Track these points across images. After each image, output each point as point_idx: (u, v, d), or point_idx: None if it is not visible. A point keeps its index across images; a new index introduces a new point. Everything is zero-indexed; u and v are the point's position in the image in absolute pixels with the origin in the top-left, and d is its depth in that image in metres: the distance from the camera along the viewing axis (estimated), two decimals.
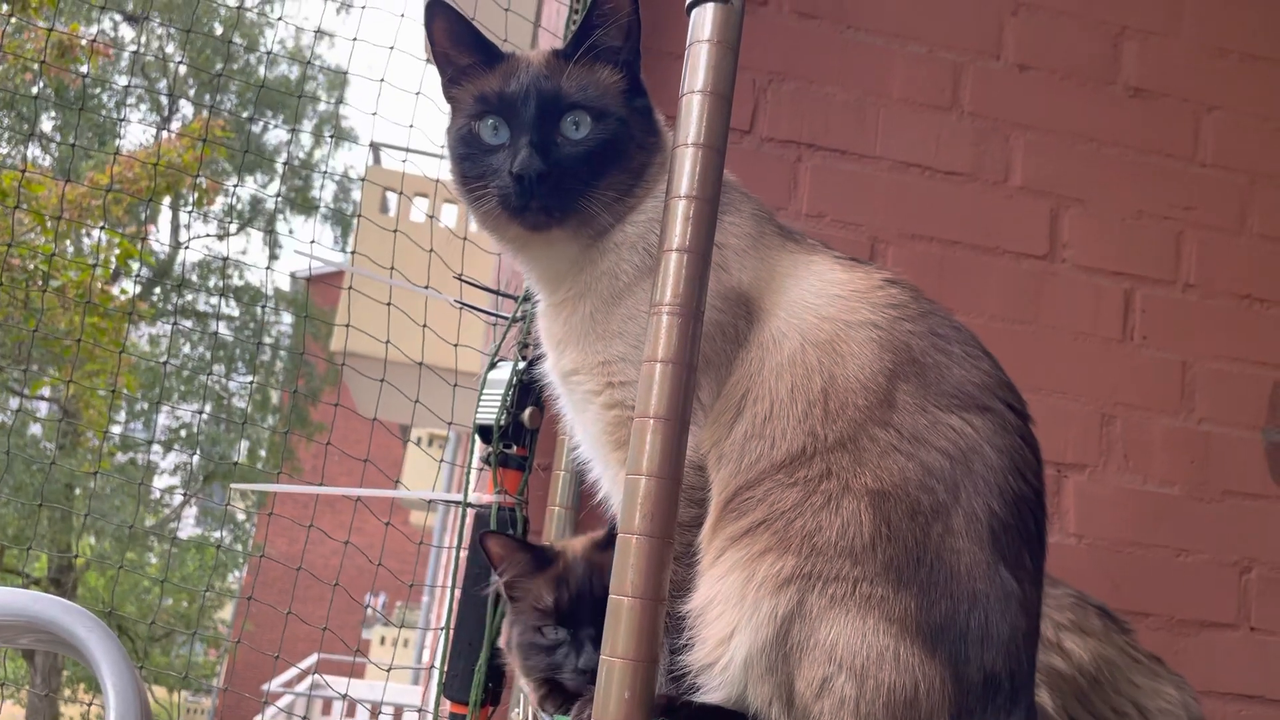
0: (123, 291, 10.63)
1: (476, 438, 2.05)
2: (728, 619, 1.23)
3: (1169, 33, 2.70)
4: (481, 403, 2.03)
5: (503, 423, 2.00)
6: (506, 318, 2.11)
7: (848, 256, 1.46)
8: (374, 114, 2.82)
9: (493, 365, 2.07)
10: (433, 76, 1.58)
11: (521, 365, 2.02)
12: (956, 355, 1.34)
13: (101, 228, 6.73)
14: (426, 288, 2.28)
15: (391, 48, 3.00)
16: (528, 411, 2.01)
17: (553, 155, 1.37)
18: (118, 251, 8.61)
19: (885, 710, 1.17)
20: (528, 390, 2.01)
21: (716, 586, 1.26)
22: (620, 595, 1.13)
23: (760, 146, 2.42)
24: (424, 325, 2.51)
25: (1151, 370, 2.54)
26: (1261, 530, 2.51)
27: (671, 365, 1.18)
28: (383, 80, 2.75)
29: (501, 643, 1.75)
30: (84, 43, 7.51)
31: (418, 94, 2.61)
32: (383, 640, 14.96)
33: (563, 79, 1.40)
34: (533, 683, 1.60)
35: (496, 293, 2.18)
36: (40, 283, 7.35)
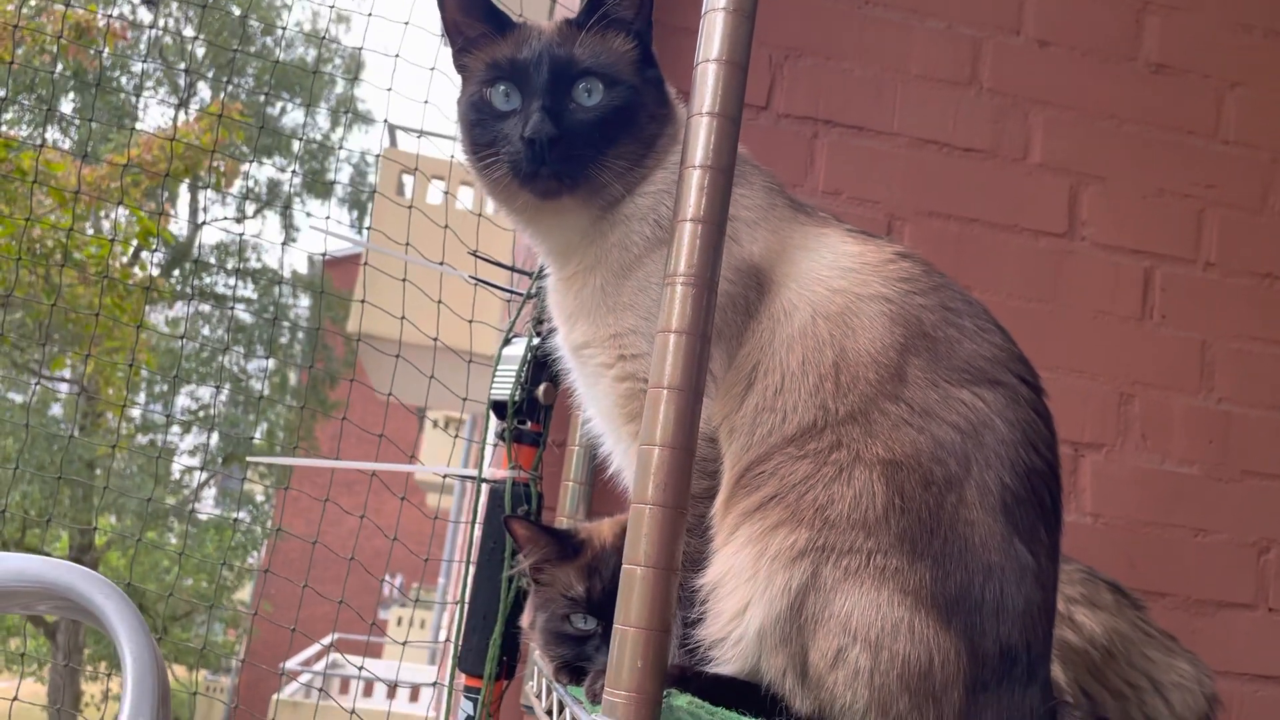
0: (141, 266, 10.68)
1: (491, 413, 2.06)
2: (742, 593, 1.23)
3: (1192, 8, 2.67)
4: (496, 378, 2.04)
5: (517, 398, 2.00)
6: (521, 294, 2.11)
7: (859, 230, 1.45)
8: (388, 89, 2.79)
9: (507, 341, 2.07)
10: (447, 56, 1.57)
11: (536, 341, 2.02)
12: (968, 329, 1.34)
13: (120, 203, 6.73)
14: (441, 264, 2.27)
15: (406, 23, 3.00)
16: (542, 387, 2.01)
17: (565, 121, 1.36)
18: (137, 229, 8.65)
19: (899, 681, 1.17)
20: (542, 366, 2.01)
21: (730, 562, 1.26)
22: (634, 564, 1.13)
23: (777, 123, 2.41)
24: (439, 301, 2.51)
25: (1171, 349, 2.52)
26: None
27: (685, 336, 1.17)
28: (398, 56, 2.74)
29: (524, 622, 1.74)
30: (101, 23, 7.52)
31: (432, 69, 2.60)
32: (399, 621, 15.06)
33: (575, 46, 1.39)
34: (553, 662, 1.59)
35: (511, 269, 2.18)
36: (60, 258, 7.39)
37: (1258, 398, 2.53)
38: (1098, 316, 2.51)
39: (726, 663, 1.27)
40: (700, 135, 1.22)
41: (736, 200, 1.39)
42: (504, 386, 2.02)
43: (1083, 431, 2.45)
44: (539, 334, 2.03)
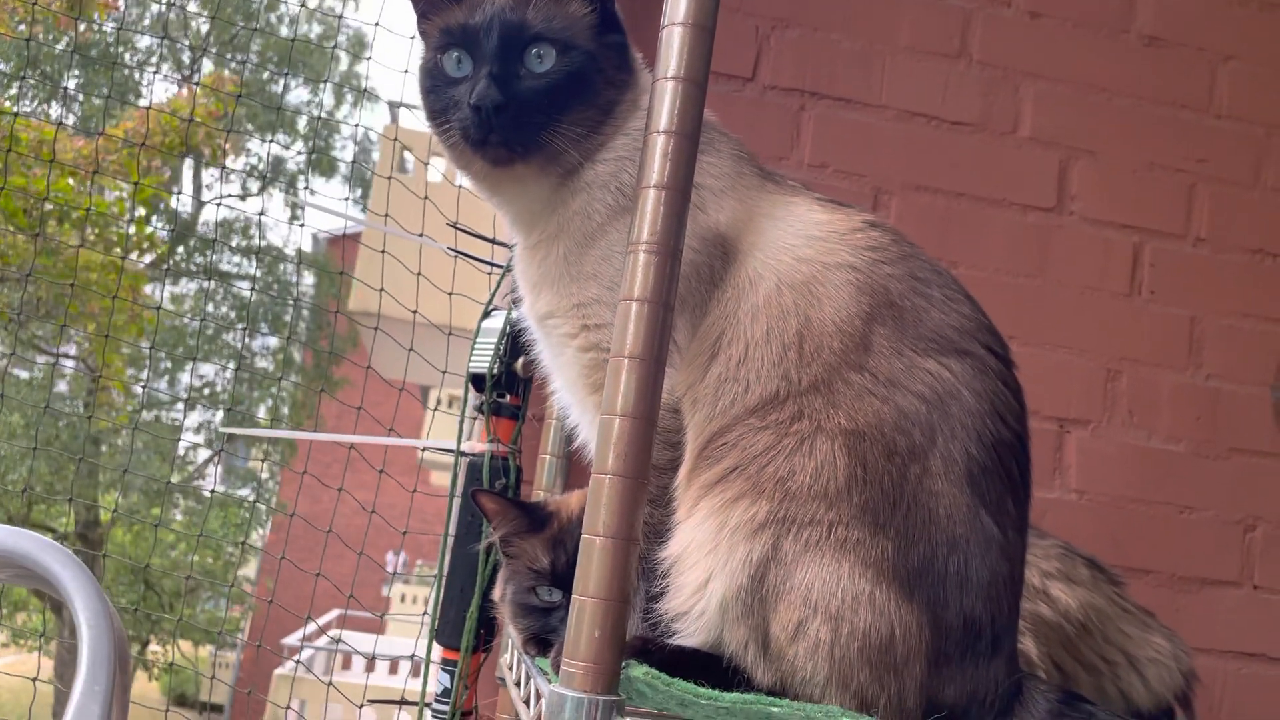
0: (150, 237, 10.67)
1: (470, 386, 2.05)
2: (703, 566, 1.23)
3: None
4: (475, 351, 2.03)
5: (496, 371, 1.99)
6: (501, 266, 2.10)
7: (829, 199, 1.43)
8: (367, 56, 2.77)
9: (486, 314, 2.06)
10: None
11: (515, 314, 2.00)
12: (936, 299, 1.32)
13: (125, 166, 6.72)
14: (420, 235, 2.26)
15: (376, 23, 2.97)
16: (521, 360, 2.00)
17: (512, 88, 1.34)
18: (141, 216, 8.65)
19: (860, 654, 1.16)
20: (520, 339, 2.00)
21: (692, 534, 1.25)
22: (593, 535, 1.12)
23: (763, 95, 2.38)
24: (418, 274, 2.49)
25: (1159, 325, 2.50)
26: (1267, 488, 2.48)
27: (648, 304, 1.16)
28: (377, 25, 2.72)
29: (495, 595, 1.75)
30: None
31: (413, 37, 2.57)
32: (403, 598, 15.13)
33: (528, 10, 1.37)
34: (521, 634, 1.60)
35: (493, 241, 2.17)
36: (54, 222, 7.36)
37: (1246, 375, 2.52)
38: (1086, 292, 2.48)
39: (689, 636, 1.26)
40: (665, 100, 1.20)
41: (703, 168, 1.37)
42: (483, 360, 2.01)
43: (1069, 407, 2.43)
44: (517, 307, 2.02)
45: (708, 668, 1.22)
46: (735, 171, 1.42)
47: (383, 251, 2.56)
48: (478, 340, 2.03)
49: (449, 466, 2.07)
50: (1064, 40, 2.55)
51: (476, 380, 2.02)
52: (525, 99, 1.34)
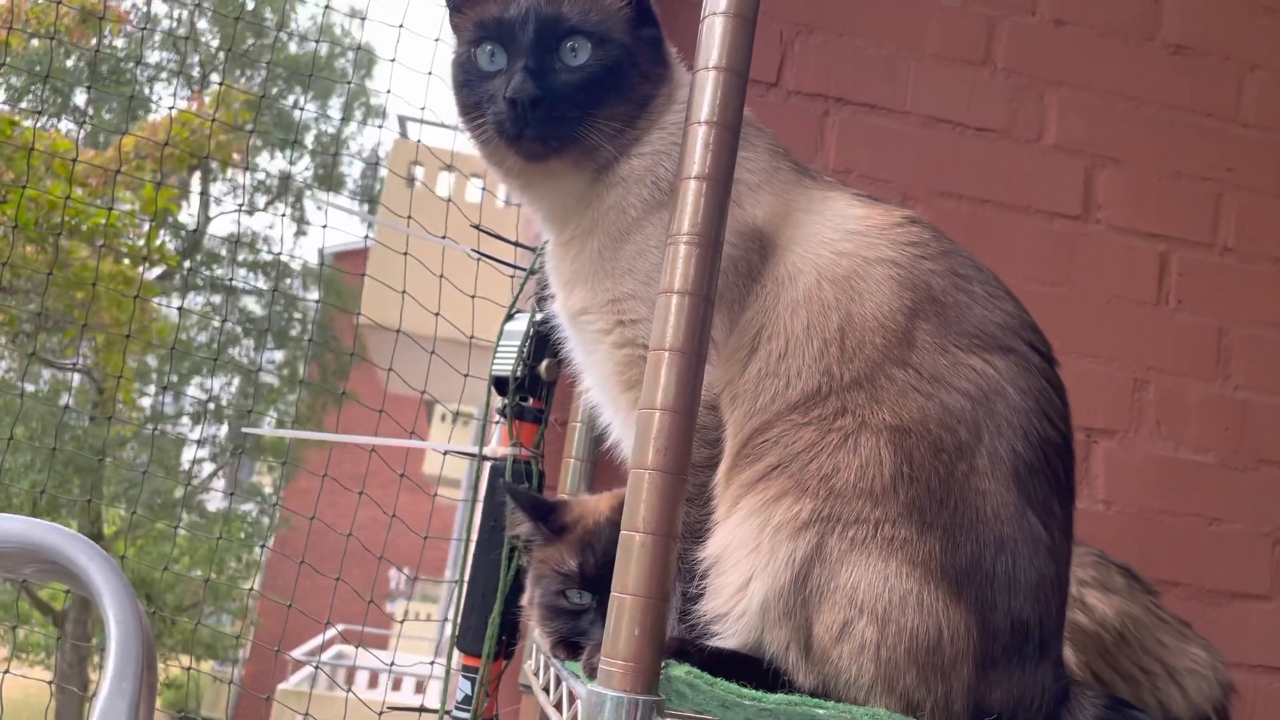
0: (160, 249, 10.66)
1: (493, 390, 2.02)
2: (744, 566, 1.20)
3: None
4: (498, 354, 2.00)
5: (519, 374, 1.97)
6: (523, 269, 2.08)
7: (866, 194, 1.41)
8: (391, 58, 2.76)
9: (510, 316, 2.03)
10: (448, 50, 1.54)
11: (539, 317, 1.98)
12: (978, 295, 1.30)
13: (113, 176, 6.69)
14: (444, 237, 2.24)
15: (400, 25, 2.96)
16: (544, 363, 1.97)
17: (548, 81, 1.32)
18: (150, 228, 8.66)
19: (907, 655, 1.13)
20: (544, 342, 1.97)
21: (733, 534, 1.22)
22: (632, 531, 1.10)
23: (787, 99, 2.37)
24: (440, 276, 2.47)
25: (1186, 335, 2.47)
26: None
27: (689, 297, 1.14)
28: (399, 32, 2.71)
29: (524, 601, 1.72)
30: (102, 5, 7.49)
31: (431, 72, 2.57)
32: (406, 614, 15.05)
33: (563, 4, 1.35)
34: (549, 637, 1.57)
35: (515, 244, 2.15)
36: (64, 230, 7.35)
37: (1275, 385, 2.48)
38: (1112, 301, 2.46)
39: (728, 638, 1.23)
40: (706, 90, 1.18)
41: (739, 162, 1.34)
42: (506, 362, 1.99)
43: (1096, 417, 2.40)
44: (541, 310, 2.00)
45: (748, 669, 1.19)
46: (771, 166, 1.40)
47: (405, 253, 2.54)
48: (501, 343, 2.01)
49: (457, 483, 2.04)
50: (1089, 48, 2.53)
51: (499, 383, 2.00)
52: (561, 93, 1.33)
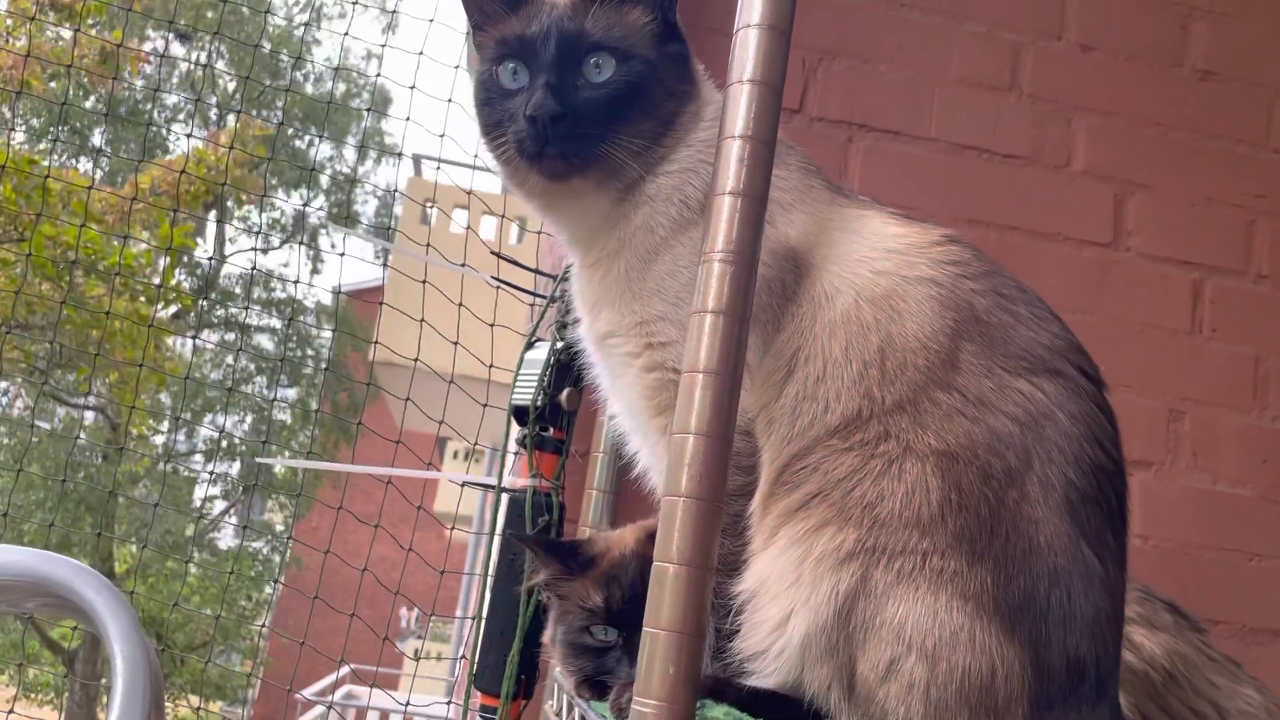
0: (177, 287, 10.70)
1: (512, 419, 1.97)
2: (783, 601, 1.13)
3: (1239, 14, 2.58)
4: (518, 383, 1.95)
5: (539, 403, 1.92)
6: (543, 296, 2.03)
7: (901, 213, 1.36)
8: (407, 119, 2.75)
9: (530, 345, 1.99)
10: (463, 86, 1.51)
11: (560, 344, 1.93)
12: (1023, 316, 1.25)
13: (124, 212, 6.74)
14: (463, 265, 2.20)
15: (420, 52, 2.97)
16: (565, 393, 1.92)
17: (570, 98, 1.28)
18: (166, 261, 8.67)
19: (958, 696, 1.06)
20: (566, 371, 1.92)
21: (770, 566, 1.16)
22: (665, 562, 1.04)
23: (810, 126, 2.33)
24: (459, 304, 2.43)
25: (1222, 364, 2.41)
26: None
27: (723, 317, 1.09)
28: (413, 86, 2.69)
29: (545, 638, 1.66)
30: (119, 48, 7.56)
31: (449, 100, 2.55)
32: (416, 654, 14.91)
33: (586, 19, 1.31)
34: (573, 676, 1.51)
35: (535, 271, 2.10)
36: (80, 268, 7.36)
37: None
38: (1145, 330, 2.40)
39: (765, 677, 1.17)
40: (740, 104, 1.14)
41: (771, 181, 1.31)
42: (526, 391, 1.94)
43: (1130, 449, 2.30)
44: (562, 338, 1.95)
45: (788, 710, 1.13)
46: (804, 185, 1.36)
47: (423, 281, 2.50)
48: (520, 371, 1.96)
49: (470, 519, 1.99)
50: (1116, 73, 2.50)
51: (519, 413, 1.95)
52: (583, 110, 1.29)
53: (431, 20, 3.12)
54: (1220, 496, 2.35)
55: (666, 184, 1.33)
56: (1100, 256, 2.42)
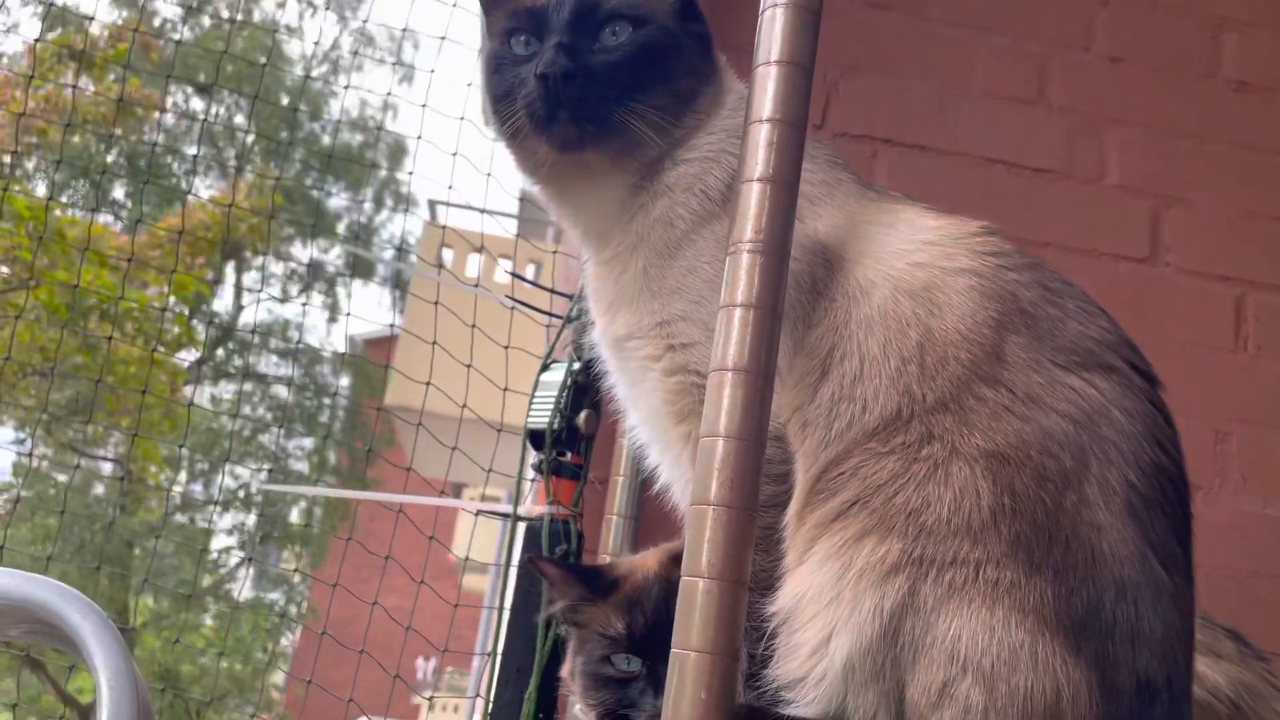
0: (189, 333, 10.73)
1: (528, 444, 1.89)
2: (823, 621, 1.04)
3: (1270, 24, 2.51)
4: (534, 406, 1.87)
5: (556, 427, 1.84)
6: (559, 316, 1.96)
7: (935, 208, 1.29)
8: (411, 172, 2.73)
9: (545, 367, 1.91)
10: (472, 136, 1.46)
11: (577, 366, 1.86)
12: (1071, 310, 1.16)
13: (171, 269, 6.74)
14: (477, 286, 2.14)
15: (424, 104, 2.98)
16: (583, 415, 1.85)
17: (583, 57, 1.21)
18: (182, 311, 8.69)
19: None
20: (583, 393, 1.85)
21: (807, 583, 1.07)
22: (695, 576, 0.96)
23: (833, 141, 2.26)
24: (473, 326, 2.36)
25: (1268, 382, 2.31)
26: None
27: (754, 310, 1.02)
28: (420, 138, 2.65)
29: (564, 672, 1.56)
30: (137, 95, 7.63)
31: (455, 155, 2.51)
32: (431, 706, 14.70)
33: None
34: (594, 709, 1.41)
35: (552, 291, 2.04)
36: (97, 320, 7.38)
37: None
38: (1186, 348, 2.30)
39: (805, 706, 1.07)
40: (769, 86, 1.08)
41: None
42: (541, 415, 1.86)
43: None
44: (579, 359, 1.87)
45: None
46: (832, 178, 1.29)
47: (435, 303, 2.44)
48: (536, 394, 1.88)
49: (485, 567, 1.90)
50: (1148, 85, 2.43)
51: (535, 437, 1.86)
52: (596, 69, 1.22)
53: (433, 71, 3.13)
54: (1272, 521, 2.24)
55: (687, 173, 1.26)
56: (1137, 272, 2.33)
